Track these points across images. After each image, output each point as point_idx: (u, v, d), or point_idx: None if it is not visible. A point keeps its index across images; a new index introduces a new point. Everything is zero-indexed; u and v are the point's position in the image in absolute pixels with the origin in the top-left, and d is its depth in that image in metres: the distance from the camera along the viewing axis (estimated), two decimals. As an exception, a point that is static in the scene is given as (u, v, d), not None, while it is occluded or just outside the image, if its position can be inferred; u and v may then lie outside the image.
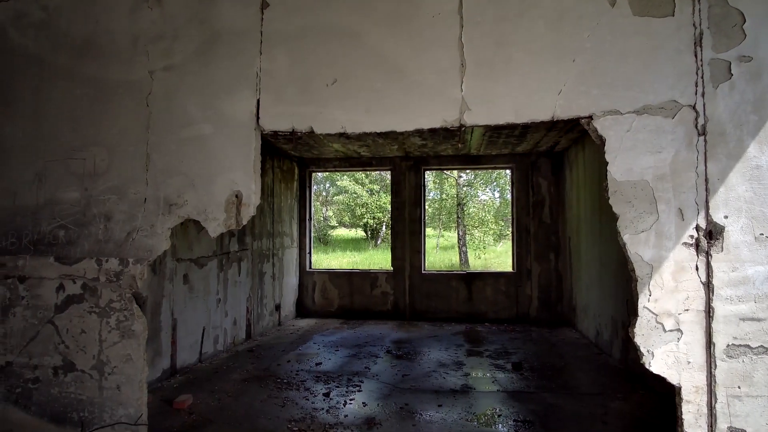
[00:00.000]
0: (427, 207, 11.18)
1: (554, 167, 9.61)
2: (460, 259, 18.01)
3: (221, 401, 5.20)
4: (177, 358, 6.07)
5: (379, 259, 19.02)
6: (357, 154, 9.72)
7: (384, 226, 23.61)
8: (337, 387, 5.67)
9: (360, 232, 26.20)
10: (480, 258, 17.60)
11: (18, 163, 3.68)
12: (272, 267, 8.85)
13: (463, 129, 3.17)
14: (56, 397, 3.49)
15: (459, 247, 17.94)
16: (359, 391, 5.56)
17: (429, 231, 21.03)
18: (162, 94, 3.53)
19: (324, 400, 5.27)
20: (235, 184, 3.38)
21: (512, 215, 10.05)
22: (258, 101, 3.42)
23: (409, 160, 9.98)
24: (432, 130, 3.37)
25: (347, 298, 10.03)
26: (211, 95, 3.48)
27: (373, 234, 24.30)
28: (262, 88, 3.42)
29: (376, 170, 12.13)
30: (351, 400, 5.27)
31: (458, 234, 18.09)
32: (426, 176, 10.39)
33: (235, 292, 7.53)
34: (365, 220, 22.57)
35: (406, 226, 9.95)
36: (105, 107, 3.61)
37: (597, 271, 7.46)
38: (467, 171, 18.18)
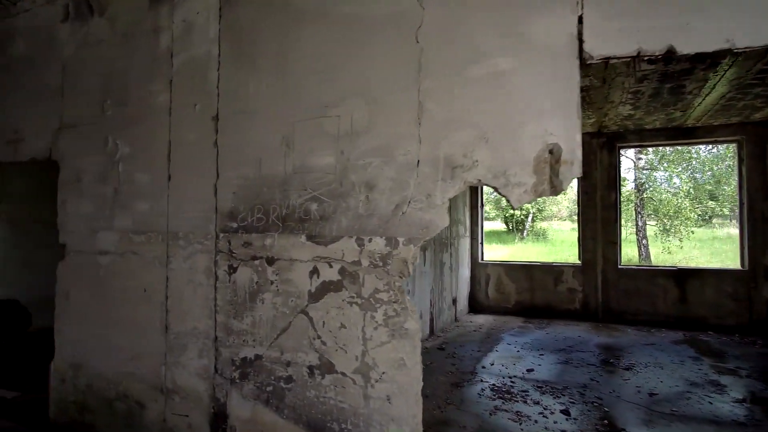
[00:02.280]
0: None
1: (803, 137, 7.48)
2: (640, 254, 15.55)
3: (443, 410, 4.44)
4: (376, 354, 5.47)
5: (530, 252, 17.39)
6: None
7: (530, 218, 21.78)
8: (573, 403, 4.63)
9: (500, 225, 24.56)
10: (668, 252, 14.91)
11: (263, 126, 3.15)
12: (450, 257, 8.03)
13: None
14: (313, 402, 2.90)
15: (638, 240, 15.39)
16: (605, 410, 4.46)
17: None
18: (437, 25, 2.73)
19: (567, 419, 4.27)
20: (549, 135, 2.45)
21: (740, 199, 8.07)
22: (580, 18, 2.45)
23: (601, 137, 8.50)
24: None
25: (526, 294, 8.88)
26: (508, 18, 2.59)
27: (516, 226, 22.56)
28: (585, 0, 2.45)
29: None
30: (603, 423, 4.19)
31: (637, 224, 15.52)
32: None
33: (421, 283, 6.82)
34: (510, 211, 20.93)
35: (598, 213, 8.51)
36: (362, 50, 2.91)
37: None
38: (662, 148, 15.24)
